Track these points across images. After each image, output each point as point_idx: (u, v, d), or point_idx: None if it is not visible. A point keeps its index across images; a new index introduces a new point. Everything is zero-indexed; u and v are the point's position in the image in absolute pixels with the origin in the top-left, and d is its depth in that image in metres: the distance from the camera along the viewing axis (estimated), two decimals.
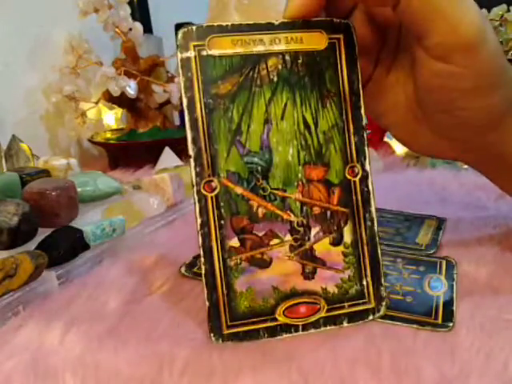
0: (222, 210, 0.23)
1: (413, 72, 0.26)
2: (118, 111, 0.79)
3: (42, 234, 0.34)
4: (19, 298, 0.28)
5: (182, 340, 0.24)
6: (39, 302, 0.28)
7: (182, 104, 0.23)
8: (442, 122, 0.27)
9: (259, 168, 0.24)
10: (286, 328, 0.24)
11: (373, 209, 0.25)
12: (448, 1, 0.22)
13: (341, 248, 0.25)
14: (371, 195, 0.25)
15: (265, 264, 0.24)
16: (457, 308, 0.26)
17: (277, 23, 0.24)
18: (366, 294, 0.25)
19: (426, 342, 0.23)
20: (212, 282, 0.23)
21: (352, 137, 0.25)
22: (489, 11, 0.64)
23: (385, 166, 0.58)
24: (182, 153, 0.61)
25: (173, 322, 0.26)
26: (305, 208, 0.24)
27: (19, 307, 0.28)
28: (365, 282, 0.25)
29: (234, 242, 0.24)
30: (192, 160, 0.23)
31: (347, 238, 0.25)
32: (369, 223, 0.25)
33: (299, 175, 0.24)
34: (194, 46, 0.23)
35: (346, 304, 0.25)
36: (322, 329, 0.24)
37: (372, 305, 0.25)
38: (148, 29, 0.84)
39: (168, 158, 0.61)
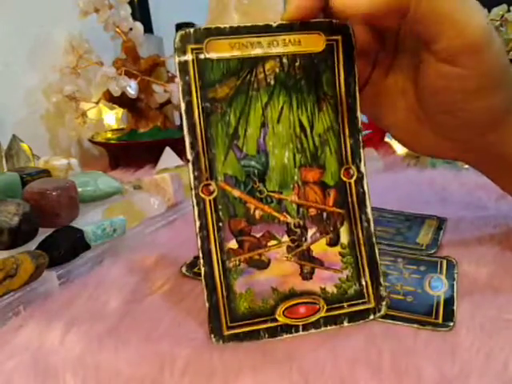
0: (220, 213, 0.24)
1: (415, 74, 0.27)
2: (119, 111, 0.79)
3: (43, 234, 0.34)
4: (20, 297, 0.28)
5: (183, 340, 0.24)
6: (40, 301, 0.28)
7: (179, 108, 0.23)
8: (444, 123, 0.27)
9: (256, 171, 0.24)
10: (287, 328, 0.24)
11: (369, 210, 0.25)
12: (454, 5, 0.22)
13: (338, 248, 0.25)
14: (367, 196, 0.25)
15: (263, 265, 0.24)
16: (457, 308, 0.26)
17: (275, 25, 0.24)
18: (366, 294, 0.25)
19: (427, 342, 0.23)
20: (211, 284, 0.23)
21: (347, 139, 0.25)
22: (489, 11, 0.64)
23: (385, 165, 0.58)
24: (182, 153, 0.61)
25: (173, 321, 0.26)
26: (301, 210, 0.25)
27: (20, 307, 0.28)
28: (364, 282, 0.25)
29: (233, 244, 0.24)
30: (190, 164, 0.23)
31: (344, 238, 0.25)
32: (365, 224, 0.25)
33: (295, 177, 0.24)
34: (192, 50, 0.23)
35: (345, 304, 0.25)
36: (323, 329, 0.24)
37: (372, 304, 0.25)
38: (148, 29, 0.84)
39: (169, 157, 0.61)
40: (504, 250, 0.32)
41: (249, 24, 0.24)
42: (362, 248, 0.25)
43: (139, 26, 0.68)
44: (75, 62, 0.68)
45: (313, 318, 0.24)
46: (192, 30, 0.23)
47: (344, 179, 0.25)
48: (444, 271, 0.30)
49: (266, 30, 0.24)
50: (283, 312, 0.24)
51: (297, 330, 0.24)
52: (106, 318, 0.26)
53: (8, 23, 0.65)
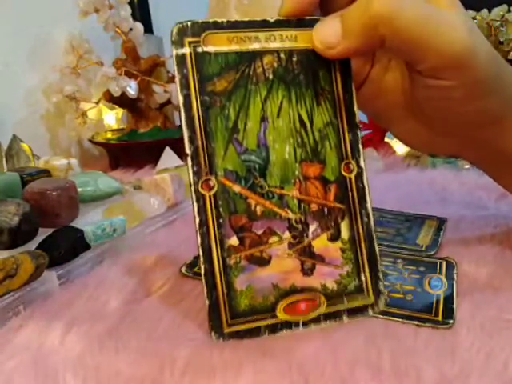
0: (221, 209, 0.23)
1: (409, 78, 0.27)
2: (119, 111, 0.79)
3: (43, 234, 0.34)
4: (20, 298, 0.28)
5: (183, 340, 0.24)
6: (40, 302, 0.28)
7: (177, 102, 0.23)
8: (441, 122, 0.27)
9: (256, 166, 0.24)
10: (287, 325, 0.24)
11: (368, 205, 0.25)
12: (427, 31, 0.22)
13: (338, 244, 0.25)
14: (367, 191, 0.25)
15: (264, 262, 0.24)
16: (457, 308, 0.26)
17: (272, 21, 0.24)
18: (365, 289, 0.25)
19: (427, 342, 0.23)
20: (212, 281, 0.23)
21: (346, 134, 0.25)
22: (489, 11, 0.64)
23: (385, 165, 0.58)
24: (182, 153, 0.61)
25: (173, 321, 0.26)
26: (302, 205, 0.24)
27: (20, 307, 0.28)
28: (363, 278, 0.25)
29: (233, 241, 0.24)
30: (189, 159, 0.23)
31: (344, 234, 0.25)
32: (365, 219, 0.25)
33: (296, 172, 0.24)
34: (189, 43, 0.23)
35: (345, 299, 0.25)
36: (323, 324, 0.24)
37: (371, 299, 0.25)
38: (148, 29, 0.84)
39: (169, 158, 0.61)
40: (504, 249, 0.32)
41: (246, 19, 0.24)
42: (362, 243, 0.25)
43: (139, 26, 0.68)
44: (75, 62, 0.68)
45: (313, 315, 0.24)
46: (189, 23, 0.23)
47: (344, 174, 0.25)
48: (444, 272, 0.30)
49: (263, 25, 0.24)
50: (283, 309, 0.24)
51: (297, 327, 0.24)
52: (106, 318, 0.26)
53: (8, 23, 0.65)
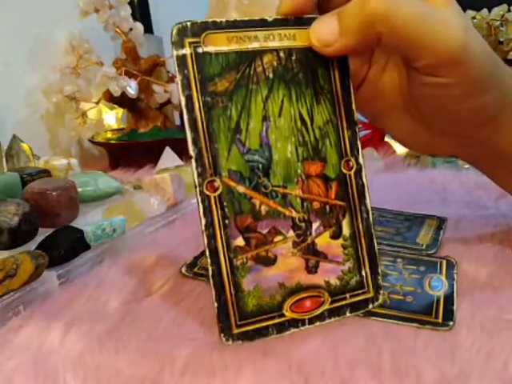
0: (226, 210, 0.23)
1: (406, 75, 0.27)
2: (119, 111, 0.79)
3: (43, 234, 0.34)
4: (20, 298, 0.28)
5: (183, 340, 0.24)
6: (40, 302, 0.28)
7: (180, 103, 0.23)
8: (438, 121, 0.27)
9: (260, 165, 0.24)
10: (294, 323, 0.24)
11: (368, 201, 0.26)
12: (423, 29, 0.22)
13: (340, 241, 0.25)
14: (366, 188, 0.26)
15: (270, 261, 0.24)
16: (457, 308, 0.26)
17: (270, 20, 0.24)
18: (366, 284, 0.25)
19: (427, 342, 0.23)
20: (219, 283, 0.23)
21: (345, 131, 0.25)
22: (489, 11, 0.64)
23: (385, 165, 0.58)
24: (182, 153, 0.61)
25: (173, 321, 0.26)
26: (305, 204, 0.25)
27: (20, 307, 0.28)
28: (364, 273, 0.25)
29: (239, 241, 0.24)
30: (193, 161, 0.23)
31: (345, 230, 0.25)
32: (365, 215, 0.25)
33: (298, 171, 0.24)
34: (190, 43, 0.23)
35: (347, 295, 0.25)
36: (327, 321, 0.24)
37: (371, 294, 0.25)
38: (148, 29, 0.84)
39: (169, 158, 0.61)
40: (504, 249, 0.32)
41: (245, 18, 0.24)
42: (362, 239, 0.25)
43: (139, 26, 0.68)
44: (75, 62, 0.68)
45: (318, 311, 0.24)
46: (189, 23, 0.23)
47: (344, 171, 0.25)
48: (444, 271, 0.30)
49: (261, 24, 0.24)
50: (290, 307, 0.24)
51: (303, 324, 0.24)
52: (106, 318, 0.26)
53: (8, 23, 0.65)
